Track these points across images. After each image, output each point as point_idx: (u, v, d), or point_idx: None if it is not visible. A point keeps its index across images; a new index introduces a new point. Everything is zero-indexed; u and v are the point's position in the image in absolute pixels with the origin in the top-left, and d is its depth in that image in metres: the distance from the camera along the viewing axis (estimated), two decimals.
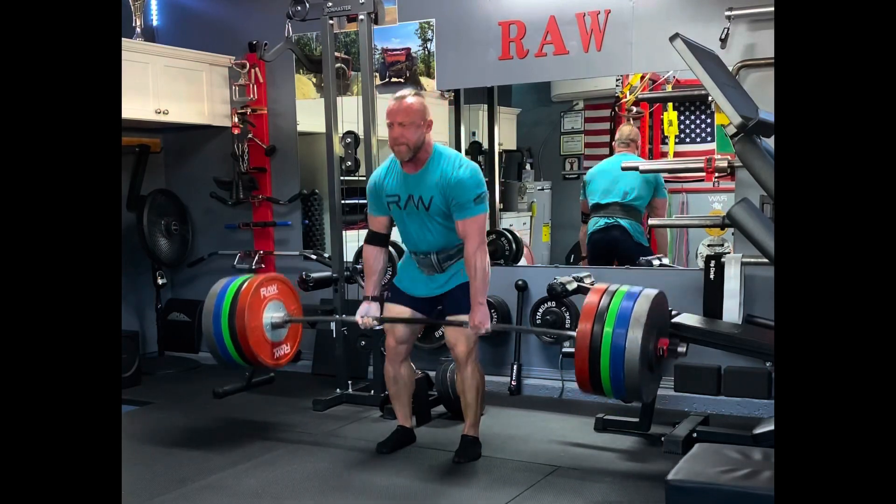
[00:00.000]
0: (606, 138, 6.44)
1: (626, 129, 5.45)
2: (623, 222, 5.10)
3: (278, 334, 4.06)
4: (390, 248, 3.94)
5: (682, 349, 3.40)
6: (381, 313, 3.74)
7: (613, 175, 5.18)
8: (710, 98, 3.62)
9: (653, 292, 3.27)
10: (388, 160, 3.66)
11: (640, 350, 3.10)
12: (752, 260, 4.02)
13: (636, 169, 4.73)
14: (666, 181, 5.77)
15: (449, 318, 3.64)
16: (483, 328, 3.48)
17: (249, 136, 5.47)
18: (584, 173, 6.78)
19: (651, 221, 4.93)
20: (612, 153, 5.73)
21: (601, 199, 5.22)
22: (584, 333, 3.18)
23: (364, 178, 4.60)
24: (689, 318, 3.87)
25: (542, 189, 6.97)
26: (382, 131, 5.19)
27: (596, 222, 5.23)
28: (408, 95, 3.48)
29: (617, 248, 5.13)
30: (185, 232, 5.81)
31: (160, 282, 5.74)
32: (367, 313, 3.69)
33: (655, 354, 3.25)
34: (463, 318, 3.53)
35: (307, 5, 4.59)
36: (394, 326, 3.72)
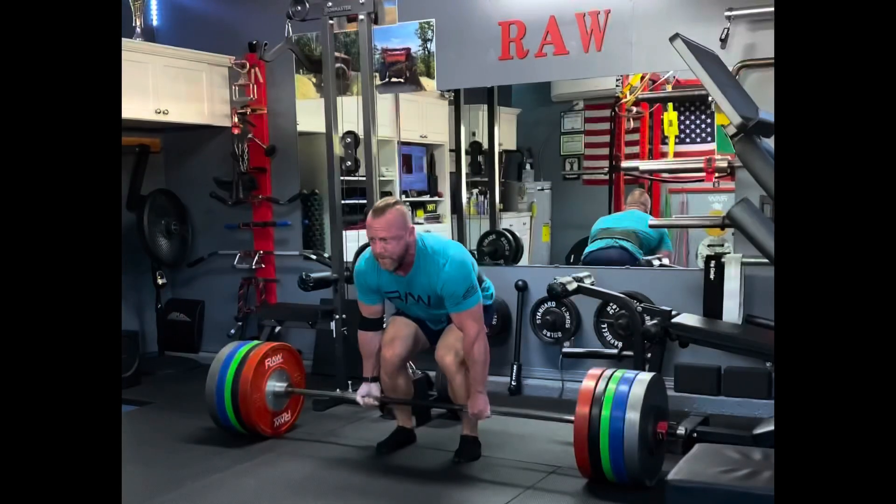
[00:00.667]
0: (606, 138, 6.45)
1: (636, 193, 5.47)
2: (625, 244, 4.97)
3: (280, 403, 4.09)
4: None
5: (681, 431, 3.42)
6: (385, 336, 3.76)
7: (623, 216, 5.16)
8: (710, 98, 3.62)
9: (647, 377, 3.31)
10: (369, 255, 3.59)
11: (639, 432, 3.13)
12: (752, 260, 4.02)
13: (636, 168, 4.72)
14: (666, 181, 5.77)
15: (439, 345, 3.67)
16: (482, 416, 3.55)
17: (249, 136, 5.47)
18: (585, 173, 6.79)
19: (651, 221, 4.92)
20: (612, 161, 5.72)
21: (604, 225, 5.17)
22: (582, 417, 3.22)
23: (364, 179, 4.62)
24: (689, 318, 3.88)
25: (542, 189, 6.97)
26: (383, 131, 5.22)
27: (594, 244, 5.09)
28: (386, 208, 3.39)
29: (613, 261, 4.91)
30: (184, 232, 5.81)
31: (160, 282, 5.74)
32: (368, 393, 3.74)
33: (655, 437, 3.28)
34: (453, 334, 3.58)
35: (307, 5, 4.58)
36: (395, 341, 3.71)
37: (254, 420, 3.94)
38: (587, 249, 5.13)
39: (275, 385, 4.04)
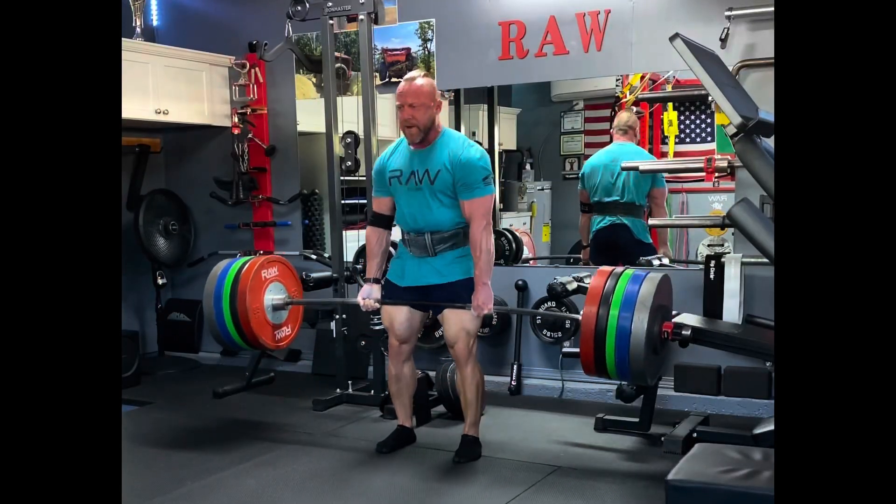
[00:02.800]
0: (606, 139, 6.43)
1: (624, 116, 5.34)
2: (626, 220, 5.10)
3: (279, 316, 4.07)
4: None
5: (686, 332, 3.40)
6: (384, 324, 3.77)
7: (612, 170, 5.16)
8: (710, 98, 3.62)
9: (657, 275, 3.31)
10: (395, 143, 3.70)
11: (646, 333, 3.12)
12: (752, 260, 4.02)
13: (636, 169, 4.73)
14: (666, 181, 5.75)
15: (445, 333, 3.67)
16: (486, 308, 3.50)
17: (249, 136, 5.47)
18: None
19: (651, 221, 4.93)
20: (611, 141, 5.70)
21: (602, 197, 5.22)
22: (589, 316, 3.20)
23: (364, 178, 4.62)
24: (689, 318, 3.87)
25: (542, 189, 6.97)
26: (382, 131, 5.22)
27: (601, 220, 5.24)
28: (417, 77, 3.53)
29: (619, 245, 5.13)
30: (184, 232, 5.80)
31: (160, 282, 5.74)
32: (368, 295, 3.72)
33: (660, 338, 3.26)
34: (458, 318, 3.57)
35: (307, 5, 4.59)
36: (393, 326, 3.72)
37: (256, 333, 3.91)
38: (594, 226, 5.24)
39: (273, 297, 4.01)
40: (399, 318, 3.71)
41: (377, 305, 3.74)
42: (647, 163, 4.97)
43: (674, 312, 3.83)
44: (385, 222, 3.73)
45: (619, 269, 3.35)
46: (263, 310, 3.96)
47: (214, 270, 4.03)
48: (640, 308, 3.14)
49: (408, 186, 3.57)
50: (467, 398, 3.70)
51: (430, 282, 3.62)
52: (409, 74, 3.58)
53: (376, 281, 3.73)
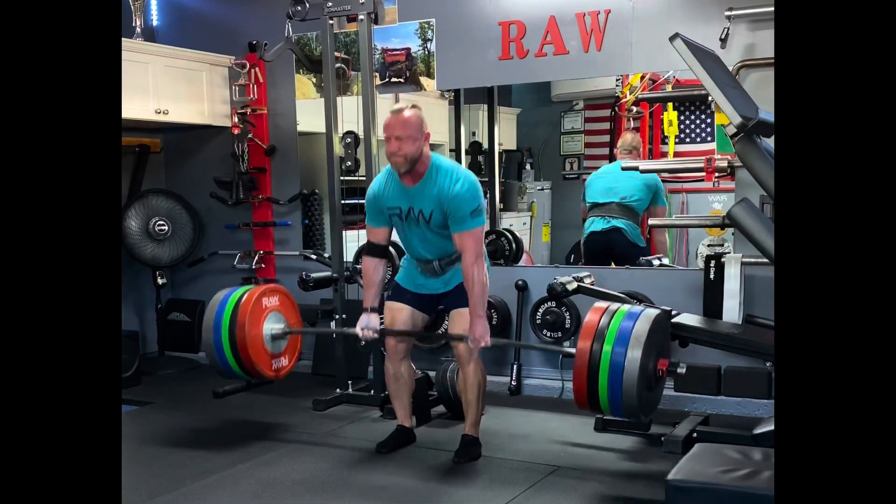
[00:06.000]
0: (606, 138, 6.45)
1: (628, 137, 5.45)
2: (620, 223, 5.09)
3: (278, 346, 4.05)
4: (390, 248, 3.93)
5: (681, 370, 3.40)
6: (382, 315, 3.76)
7: (614, 176, 5.18)
8: (710, 98, 3.62)
9: (653, 312, 3.28)
10: (384, 171, 3.67)
11: (640, 369, 3.10)
12: (752, 260, 4.02)
13: (636, 169, 4.73)
14: (666, 181, 5.77)
15: (449, 333, 3.70)
16: (483, 341, 3.50)
17: (249, 136, 5.47)
18: (585, 173, 6.80)
19: (651, 221, 4.93)
20: (612, 159, 5.74)
21: (600, 198, 5.23)
22: (583, 352, 3.19)
23: (364, 178, 4.62)
24: (689, 318, 3.88)
25: (542, 189, 6.97)
26: (382, 132, 5.22)
27: (593, 222, 5.23)
28: (405, 109, 3.49)
29: (613, 250, 5.13)
30: (176, 234, 5.71)
31: (160, 282, 5.73)
32: (367, 325, 3.71)
33: (655, 375, 3.26)
34: (463, 319, 3.56)
35: (307, 5, 4.59)
36: (395, 325, 3.74)
37: (254, 362, 3.89)
38: (586, 230, 5.26)
39: (272, 326, 4.01)
40: (401, 317, 3.74)
41: (376, 336, 3.75)
42: (648, 162, 4.98)
43: (674, 312, 3.84)
44: (381, 252, 3.73)
45: (613, 306, 3.32)
46: (262, 339, 3.95)
47: (215, 299, 4.02)
48: (634, 344, 3.12)
49: (408, 222, 3.61)
50: (468, 398, 3.70)
51: (437, 291, 3.72)
52: (396, 106, 3.54)
53: (374, 310, 3.72)
